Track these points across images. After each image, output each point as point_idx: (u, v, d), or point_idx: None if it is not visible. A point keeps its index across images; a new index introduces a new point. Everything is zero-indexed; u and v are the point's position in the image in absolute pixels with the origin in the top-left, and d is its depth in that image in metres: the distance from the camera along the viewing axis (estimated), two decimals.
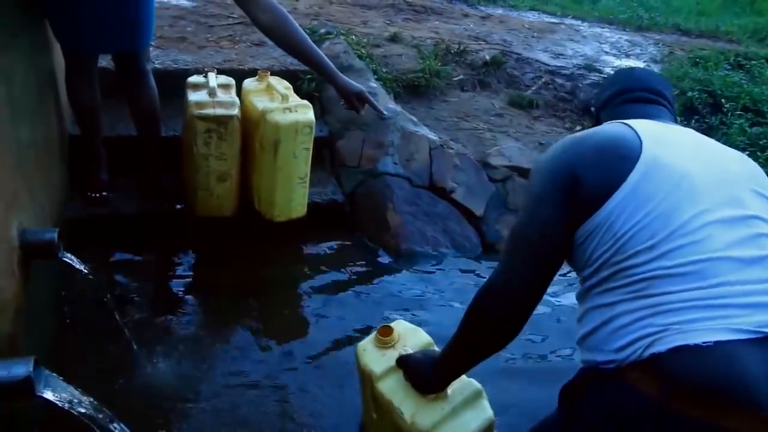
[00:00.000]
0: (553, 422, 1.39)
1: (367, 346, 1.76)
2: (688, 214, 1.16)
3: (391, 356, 1.69)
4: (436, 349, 1.74)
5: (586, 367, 1.28)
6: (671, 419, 1.08)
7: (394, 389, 1.63)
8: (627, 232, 1.17)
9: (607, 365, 1.20)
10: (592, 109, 1.64)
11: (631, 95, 1.51)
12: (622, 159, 1.22)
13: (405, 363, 1.65)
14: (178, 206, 2.92)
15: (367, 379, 1.72)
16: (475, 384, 1.67)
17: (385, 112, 2.51)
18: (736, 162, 1.32)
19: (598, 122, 1.54)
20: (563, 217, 1.25)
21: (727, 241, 1.14)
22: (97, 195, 2.85)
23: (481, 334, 1.37)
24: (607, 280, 1.21)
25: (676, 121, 1.50)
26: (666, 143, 1.25)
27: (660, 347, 1.09)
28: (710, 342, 1.06)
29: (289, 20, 2.36)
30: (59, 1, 2.37)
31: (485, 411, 1.63)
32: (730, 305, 1.09)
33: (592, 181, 1.22)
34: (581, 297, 1.31)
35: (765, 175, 1.33)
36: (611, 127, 1.33)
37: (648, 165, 1.20)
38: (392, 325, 1.79)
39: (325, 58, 2.44)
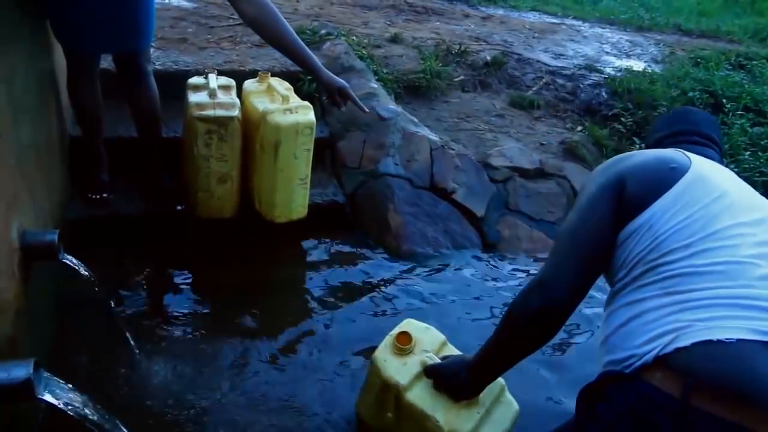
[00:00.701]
0: (570, 426, 1.40)
1: (385, 356, 1.71)
2: (725, 223, 1.23)
3: (412, 363, 1.67)
4: (451, 346, 1.75)
5: (605, 371, 1.29)
6: (690, 416, 1.09)
7: (423, 397, 1.62)
8: (666, 232, 1.24)
9: (626, 364, 1.21)
10: (647, 146, 1.70)
11: (683, 138, 1.60)
12: (671, 170, 1.31)
13: (436, 372, 1.66)
14: (179, 207, 2.92)
15: (391, 390, 1.68)
16: (498, 380, 1.67)
17: (366, 109, 2.51)
18: (761, 199, 1.38)
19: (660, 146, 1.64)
20: (610, 219, 1.32)
21: (757, 253, 1.19)
22: (98, 196, 2.85)
23: (521, 331, 1.39)
24: (640, 277, 1.26)
25: (723, 164, 1.57)
26: (712, 169, 1.34)
27: (684, 341, 1.12)
28: (733, 339, 1.09)
29: (275, 14, 2.34)
30: (59, 2, 2.37)
31: (512, 404, 1.67)
32: (754, 307, 1.12)
33: (639, 185, 1.31)
34: (609, 301, 1.36)
35: None
36: (665, 149, 1.45)
37: (694, 177, 1.29)
38: (406, 328, 1.77)
39: (310, 52, 2.43)
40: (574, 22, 6.29)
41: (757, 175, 3.69)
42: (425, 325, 1.83)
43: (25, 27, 2.17)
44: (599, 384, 1.30)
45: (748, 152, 3.87)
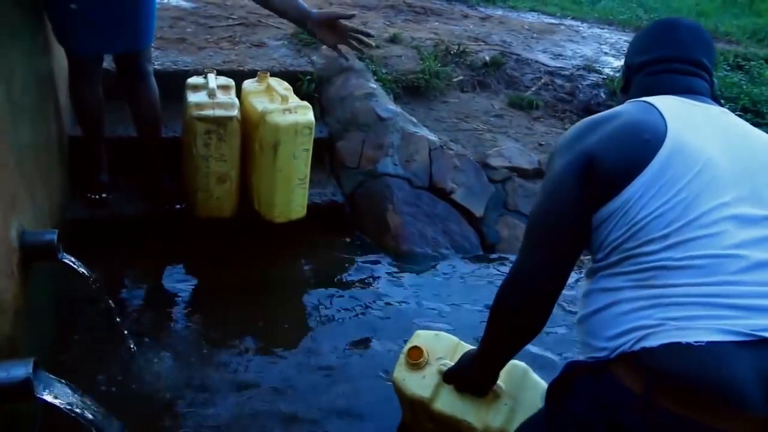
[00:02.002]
0: (540, 418, 1.38)
1: (403, 374, 1.70)
2: (707, 206, 1.14)
3: (430, 374, 1.67)
4: (465, 345, 1.75)
5: (573, 362, 1.29)
6: (654, 414, 1.08)
7: (450, 404, 1.62)
8: (643, 219, 1.16)
9: (595, 355, 1.20)
10: (624, 67, 1.51)
11: (669, 66, 1.41)
12: (645, 142, 1.19)
13: (452, 376, 1.64)
14: (178, 206, 2.92)
15: (419, 405, 1.68)
16: (519, 364, 1.69)
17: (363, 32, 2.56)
18: (765, 150, 1.28)
19: (627, 85, 1.50)
20: (581, 201, 1.24)
21: (740, 240, 1.13)
22: (97, 196, 2.85)
23: (507, 325, 1.38)
24: (616, 265, 1.21)
25: (714, 94, 1.44)
26: (693, 125, 1.23)
27: (652, 342, 1.09)
28: (702, 342, 1.06)
29: None
30: (60, 3, 2.37)
31: (539, 385, 1.66)
32: (729, 305, 1.08)
33: (612, 165, 1.20)
34: (589, 275, 1.31)
35: None
36: (635, 108, 1.29)
37: (672, 149, 1.18)
38: (415, 341, 1.75)
39: (304, 6, 2.48)
40: (573, 23, 6.29)
41: None
42: (434, 332, 1.81)
43: (25, 27, 2.18)
44: (566, 376, 1.29)
45: None
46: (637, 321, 1.13)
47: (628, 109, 1.31)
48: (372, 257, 3.01)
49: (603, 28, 6.24)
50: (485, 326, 1.43)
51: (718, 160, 1.18)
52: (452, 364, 1.66)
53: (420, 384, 1.66)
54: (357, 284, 2.83)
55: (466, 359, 1.62)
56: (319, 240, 3.07)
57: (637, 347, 1.11)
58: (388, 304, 2.71)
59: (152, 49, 3.62)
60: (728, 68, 5.10)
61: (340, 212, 3.20)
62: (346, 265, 2.95)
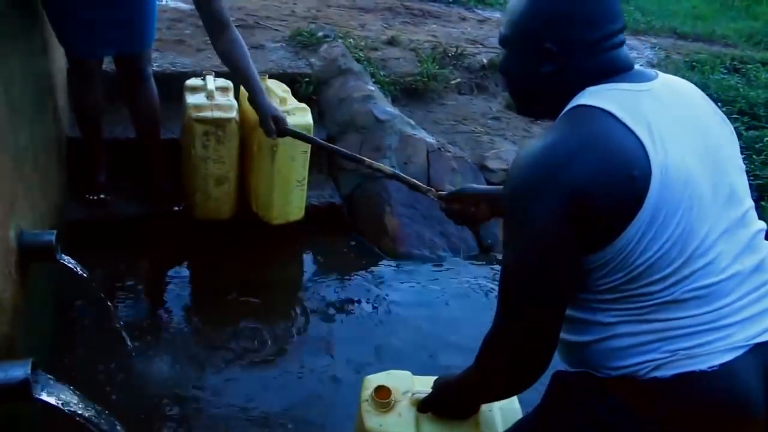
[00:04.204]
0: (531, 426, 1.36)
1: (377, 421, 1.51)
2: (701, 232, 1.08)
3: (404, 410, 1.52)
4: (420, 378, 1.60)
5: (563, 374, 1.26)
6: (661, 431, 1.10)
7: None
8: (643, 264, 1.07)
9: (590, 371, 1.19)
10: (548, 46, 1.15)
11: (607, 42, 1.15)
12: (633, 180, 1.04)
13: (430, 405, 1.49)
14: (176, 208, 2.92)
15: None
16: None
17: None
18: (721, 133, 1.22)
19: (558, 73, 1.17)
20: (574, 250, 1.09)
21: (733, 255, 1.11)
22: (95, 197, 2.85)
23: (507, 384, 1.26)
24: (612, 302, 1.13)
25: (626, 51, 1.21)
26: (664, 137, 1.08)
27: (664, 372, 1.09)
28: (716, 366, 1.07)
29: (246, 54, 2.40)
30: (60, 5, 2.37)
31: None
32: (731, 324, 1.09)
33: (602, 211, 1.05)
34: (573, 302, 1.19)
35: (734, 132, 1.27)
36: (599, 128, 1.08)
37: (661, 184, 1.05)
38: (370, 387, 1.57)
39: (261, 87, 2.41)
40: None
41: (752, 178, 3.70)
42: (383, 373, 1.65)
43: (23, 28, 2.18)
44: (561, 387, 1.26)
45: (743, 155, 3.88)
46: (643, 356, 1.10)
47: (596, 130, 1.08)
48: (370, 259, 3.02)
49: None
50: (473, 372, 1.30)
51: (695, 171, 1.10)
52: (421, 394, 1.52)
53: (400, 423, 1.51)
54: (354, 286, 2.83)
55: (442, 388, 1.47)
56: (317, 242, 3.07)
57: (646, 377, 1.10)
58: (386, 306, 2.72)
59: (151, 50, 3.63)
60: (725, 71, 5.12)
61: (338, 214, 3.20)
62: (344, 267, 2.96)
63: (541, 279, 1.11)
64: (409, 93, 4.10)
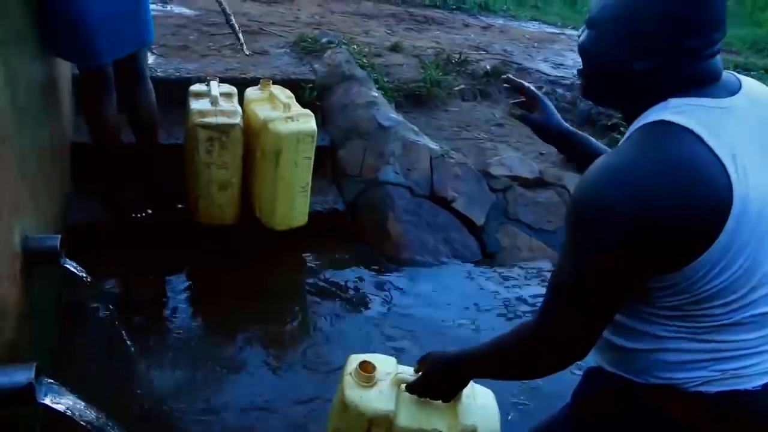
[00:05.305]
0: (565, 422, 1.37)
1: (358, 393, 1.52)
2: (766, 265, 1.08)
3: (387, 387, 1.53)
4: (402, 367, 1.60)
5: (596, 372, 1.27)
6: None
7: (415, 417, 1.50)
8: (709, 290, 1.06)
9: (629, 376, 1.20)
10: (651, 43, 1.07)
11: (707, 51, 1.09)
12: (713, 212, 1.01)
13: (422, 386, 1.48)
14: (180, 206, 2.92)
15: (380, 423, 1.52)
16: None
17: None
18: None
19: (650, 73, 1.10)
20: (630, 277, 1.08)
21: None
22: (142, 214, 2.84)
23: (519, 374, 1.36)
24: (669, 318, 1.12)
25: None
26: (746, 164, 1.04)
27: (710, 388, 1.11)
28: (759, 386, 1.10)
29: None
30: (70, 22, 2.32)
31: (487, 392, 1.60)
32: None
33: (678, 239, 1.02)
34: (626, 309, 1.18)
35: None
36: (689, 155, 1.02)
37: (738, 217, 1.02)
38: (355, 362, 1.58)
39: None
40: (574, 32, 6.28)
41: None
42: (369, 354, 1.64)
43: (29, 33, 2.18)
44: (597, 387, 1.28)
45: None
46: (692, 372, 1.12)
47: (679, 156, 1.03)
48: (373, 265, 3.02)
49: None
50: (494, 352, 1.30)
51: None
52: (406, 374, 1.53)
53: (380, 398, 1.51)
54: (357, 292, 2.83)
55: (441, 368, 1.46)
56: (320, 248, 3.07)
57: (691, 390, 1.12)
58: (388, 312, 2.72)
59: (155, 56, 3.65)
60: None
61: (341, 220, 3.20)
62: (347, 273, 2.96)
63: (593, 297, 1.10)
64: (413, 99, 4.11)
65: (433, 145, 3.49)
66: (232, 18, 4.22)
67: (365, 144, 3.41)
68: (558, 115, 1.60)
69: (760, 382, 1.10)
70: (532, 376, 1.31)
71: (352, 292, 2.83)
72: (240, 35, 3.94)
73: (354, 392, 1.51)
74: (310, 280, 2.90)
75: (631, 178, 1.02)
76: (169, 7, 4.75)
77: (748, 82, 1.16)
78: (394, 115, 3.62)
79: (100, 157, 2.76)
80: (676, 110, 1.06)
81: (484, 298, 2.85)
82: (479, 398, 1.56)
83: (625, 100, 1.18)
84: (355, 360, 1.57)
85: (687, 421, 1.14)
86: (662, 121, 1.06)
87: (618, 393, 1.22)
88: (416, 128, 3.61)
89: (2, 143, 1.60)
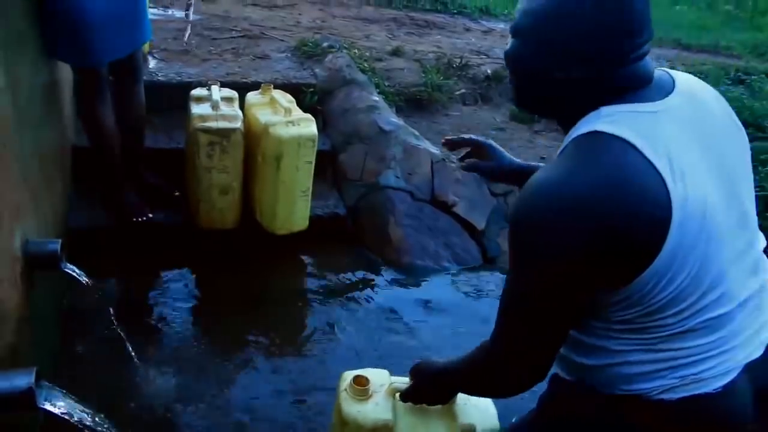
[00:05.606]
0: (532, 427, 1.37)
1: (355, 408, 1.53)
2: (716, 264, 1.05)
3: (382, 399, 1.54)
4: (395, 378, 1.60)
5: (561, 381, 1.26)
6: None
7: (413, 424, 1.52)
8: (662, 299, 1.04)
9: (593, 384, 1.18)
10: (570, 51, 1.06)
11: (631, 55, 1.06)
12: (654, 222, 0.99)
13: (415, 393, 1.48)
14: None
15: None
16: None
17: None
18: (736, 146, 1.18)
19: (573, 81, 1.08)
20: (579, 293, 1.07)
21: (742, 281, 1.11)
22: (144, 218, 2.84)
23: (491, 394, 1.40)
24: (621, 332, 1.11)
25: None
26: (684, 166, 1.02)
27: (672, 395, 1.10)
28: (719, 387, 1.09)
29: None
30: (71, 23, 2.31)
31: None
32: (734, 347, 1.11)
33: (622, 253, 1.00)
34: (584, 326, 1.17)
35: (746, 137, 1.22)
36: (624, 165, 1.01)
37: (679, 222, 0.99)
38: (348, 378, 1.59)
39: None
40: None
41: (758, 189, 3.69)
42: (361, 369, 1.64)
43: (30, 37, 2.19)
44: (563, 395, 1.27)
45: None
46: (652, 382, 1.11)
47: (614, 167, 1.01)
48: (373, 270, 3.01)
49: None
50: (462, 371, 1.31)
51: (713, 200, 1.05)
52: (398, 384, 1.54)
53: (377, 410, 1.53)
54: (358, 297, 2.83)
55: (429, 379, 1.46)
56: (321, 252, 3.07)
57: (653, 399, 1.11)
58: (389, 317, 2.71)
59: (156, 60, 3.66)
60: (729, 82, 5.12)
61: (342, 224, 3.20)
62: (348, 277, 2.95)
63: (540, 316, 1.08)
64: (414, 104, 4.11)
65: (434, 150, 3.49)
66: (191, 10, 4.19)
67: (366, 148, 3.41)
68: (508, 155, 1.61)
69: (719, 383, 1.09)
70: (500, 395, 1.28)
71: (352, 296, 2.83)
72: (189, 28, 3.89)
73: (351, 407, 1.52)
74: (311, 285, 2.89)
75: (567, 193, 1.00)
76: (170, 12, 4.75)
77: (682, 79, 1.15)
78: (395, 119, 3.62)
79: (99, 159, 2.75)
80: (608, 119, 1.05)
81: (485, 303, 2.85)
82: (476, 397, 1.56)
83: (555, 109, 1.17)
84: (348, 376, 1.59)
85: (653, 429, 1.13)
86: (595, 132, 1.04)
87: (582, 400, 1.21)
88: (417, 132, 3.62)
89: (3, 147, 1.60)
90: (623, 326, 1.10)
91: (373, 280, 2.95)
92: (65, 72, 2.65)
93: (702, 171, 1.05)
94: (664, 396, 1.10)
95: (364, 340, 2.56)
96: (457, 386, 1.40)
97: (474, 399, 1.55)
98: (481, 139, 1.62)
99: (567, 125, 1.12)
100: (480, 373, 1.24)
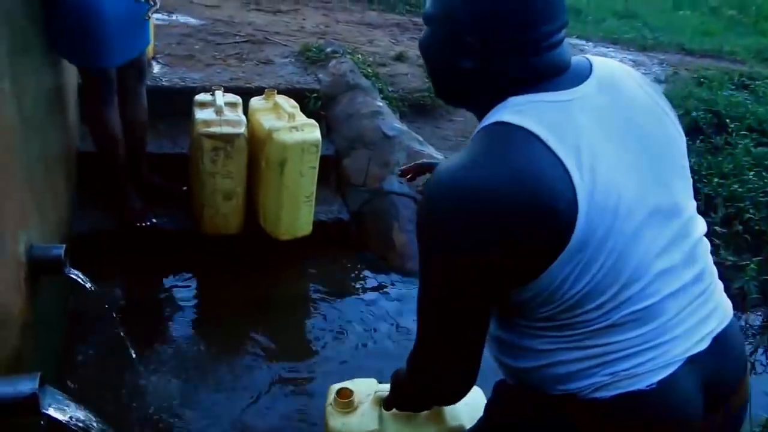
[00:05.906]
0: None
1: (340, 421, 1.54)
2: (636, 257, 1.03)
3: (368, 410, 1.56)
4: (382, 385, 1.61)
5: (504, 385, 1.25)
6: None
7: (400, 430, 1.53)
8: (576, 295, 1.02)
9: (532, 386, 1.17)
10: (469, 40, 1.04)
11: (539, 45, 1.03)
12: (556, 215, 0.96)
13: (394, 401, 1.46)
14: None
15: None
16: None
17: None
18: (662, 134, 1.13)
19: (478, 71, 1.06)
20: (487, 290, 1.04)
21: (672, 272, 1.07)
22: (147, 223, 2.85)
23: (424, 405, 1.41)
24: (545, 330, 1.09)
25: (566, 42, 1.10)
26: (595, 158, 1.00)
27: (605, 393, 1.07)
28: (654, 384, 1.05)
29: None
30: (80, 25, 2.32)
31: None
32: (669, 340, 1.07)
33: (525, 248, 0.98)
34: (504, 325, 1.15)
35: (677, 123, 1.17)
36: (527, 157, 0.98)
37: (586, 216, 0.97)
38: (333, 391, 1.61)
39: None
40: (578, 42, 6.32)
41: (762, 195, 3.68)
42: (347, 381, 1.66)
43: (36, 42, 2.20)
44: (507, 399, 1.26)
45: (752, 172, 3.86)
46: (583, 381, 1.08)
47: (516, 160, 0.99)
48: (377, 275, 3.01)
49: (608, 47, 6.27)
50: (398, 390, 1.37)
51: (629, 191, 1.02)
52: (383, 393, 1.53)
53: (362, 422, 1.54)
54: (362, 302, 2.83)
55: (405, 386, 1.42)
56: (325, 257, 3.07)
57: (587, 398, 1.08)
58: (393, 321, 2.71)
59: (160, 65, 3.67)
60: (733, 87, 5.11)
61: (345, 230, 3.20)
62: (351, 283, 2.95)
63: (452, 315, 1.06)
64: (417, 109, 4.12)
65: (438, 155, 3.49)
66: None
67: (370, 153, 3.42)
68: None
69: (653, 379, 1.05)
70: (437, 403, 1.31)
71: (355, 302, 2.83)
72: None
73: (336, 421, 1.53)
74: (314, 290, 2.89)
75: (466, 184, 0.98)
76: (174, 17, 4.77)
77: (600, 66, 1.12)
78: (399, 124, 3.63)
79: (104, 164, 2.76)
80: (515, 109, 1.02)
81: None
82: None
83: (467, 100, 1.16)
84: (334, 389, 1.59)
85: (592, 428, 1.10)
86: (500, 122, 1.02)
87: (524, 402, 1.20)
88: (421, 138, 3.62)
89: (8, 152, 1.60)
90: (546, 323, 1.08)
91: (376, 285, 2.95)
92: (70, 77, 2.66)
93: (617, 162, 1.02)
94: (598, 394, 1.07)
95: (368, 345, 2.56)
96: (403, 399, 1.41)
97: (465, 404, 1.54)
98: (433, 161, 1.68)
99: (480, 115, 1.10)
100: (411, 385, 1.24)
